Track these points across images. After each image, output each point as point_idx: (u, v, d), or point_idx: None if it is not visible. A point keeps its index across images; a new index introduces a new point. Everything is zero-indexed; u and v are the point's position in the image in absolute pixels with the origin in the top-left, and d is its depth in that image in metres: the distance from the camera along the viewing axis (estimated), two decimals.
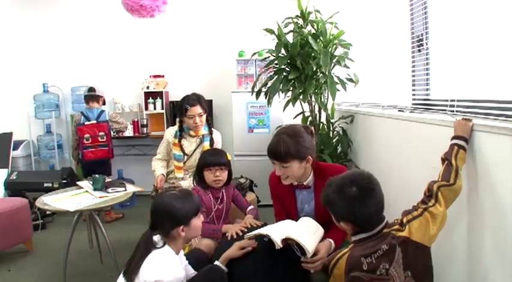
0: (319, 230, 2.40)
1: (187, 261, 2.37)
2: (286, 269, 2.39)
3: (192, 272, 2.36)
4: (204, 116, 3.56)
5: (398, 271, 1.70)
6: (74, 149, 5.11)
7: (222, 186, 3.01)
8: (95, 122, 4.91)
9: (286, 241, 2.27)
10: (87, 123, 4.89)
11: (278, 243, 2.21)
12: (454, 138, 1.87)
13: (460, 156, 1.82)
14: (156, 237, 2.10)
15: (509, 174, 1.59)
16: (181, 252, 2.31)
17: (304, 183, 2.58)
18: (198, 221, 2.21)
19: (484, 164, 1.77)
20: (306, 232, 2.33)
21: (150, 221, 2.16)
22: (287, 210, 2.71)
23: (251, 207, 3.07)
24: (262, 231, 2.36)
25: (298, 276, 2.43)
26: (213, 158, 2.95)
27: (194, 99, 3.51)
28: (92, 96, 5.00)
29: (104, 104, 5.18)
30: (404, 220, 1.78)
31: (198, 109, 3.48)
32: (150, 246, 2.08)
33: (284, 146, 2.38)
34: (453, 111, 2.10)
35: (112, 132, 5.23)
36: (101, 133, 4.91)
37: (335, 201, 1.80)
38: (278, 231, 2.31)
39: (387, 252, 1.72)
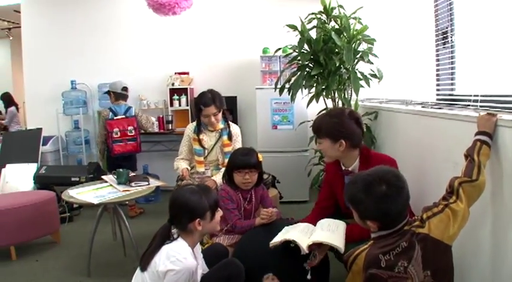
0: (341, 225, 2.40)
1: (201, 255, 2.40)
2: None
3: (206, 269, 2.40)
4: (220, 114, 3.58)
5: (417, 270, 1.67)
6: (102, 144, 5.21)
7: (251, 188, 3.01)
8: (123, 116, 5.04)
9: (312, 246, 2.28)
10: (116, 118, 5.01)
11: (304, 249, 2.24)
12: (477, 133, 1.84)
13: (483, 152, 1.78)
14: (173, 231, 2.18)
15: None
16: (198, 247, 2.35)
17: (349, 169, 2.60)
18: (217, 216, 2.25)
19: (509, 160, 1.73)
20: (328, 231, 2.35)
21: (169, 215, 2.22)
22: (336, 196, 2.73)
23: (275, 209, 2.93)
24: (288, 237, 2.37)
25: (316, 271, 2.44)
26: (244, 158, 2.92)
27: (209, 98, 3.51)
28: (123, 95, 5.16)
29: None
30: (425, 216, 1.75)
31: (212, 109, 3.50)
32: (165, 239, 2.15)
33: (320, 122, 2.56)
34: (477, 106, 2.06)
35: None
36: (129, 127, 5.04)
37: (362, 200, 1.78)
38: (303, 237, 2.35)
39: (406, 250, 1.69)
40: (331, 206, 2.75)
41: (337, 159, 2.62)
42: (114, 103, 5.15)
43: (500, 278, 1.80)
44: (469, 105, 2.14)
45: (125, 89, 5.19)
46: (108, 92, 5.25)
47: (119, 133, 4.98)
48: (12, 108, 9.15)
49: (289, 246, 2.35)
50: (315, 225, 2.47)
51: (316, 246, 2.30)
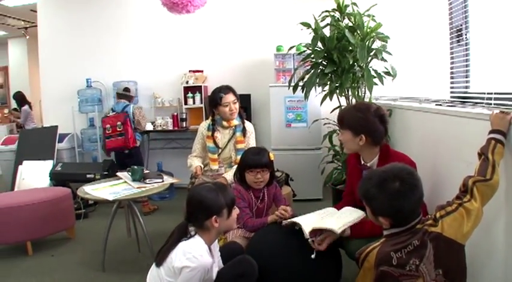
0: (355, 214, 2.44)
1: (219, 253, 2.41)
2: (316, 263, 2.40)
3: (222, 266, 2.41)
4: (238, 104, 3.62)
5: (428, 268, 1.67)
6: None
7: (263, 187, 3.01)
8: (115, 113, 5.23)
9: (315, 232, 2.35)
10: (108, 115, 5.22)
11: (306, 234, 2.31)
12: (491, 132, 1.82)
13: (498, 150, 1.77)
14: (191, 229, 2.19)
15: None
16: (215, 245, 2.36)
17: (368, 164, 2.61)
18: (234, 213, 2.27)
19: None
20: (337, 218, 2.42)
21: (186, 213, 2.24)
22: (353, 189, 2.72)
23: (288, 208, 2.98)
24: (296, 219, 2.46)
25: (328, 268, 2.45)
26: (255, 158, 2.91)
27: (227, 87, 3.62)
28: (124, 95, 5.35)
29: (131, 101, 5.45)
30: (438, 215, 1.75)
31: (231, 96, 3.57)
32: (182, 236, 2.17)
33: (345, 113, 2.61)
34: (490, 104, 2.04)
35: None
36: (118, 123, 5.15)
37: (375, 196, 1.79)
38: (309, 222, 2.40)
39: (418, 248, 1.69)
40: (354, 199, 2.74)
41: (357, 152, 2.64)
42: (116, 103, 5.36)
43: None
44: (482, 102, 2.12)
45: (126, 89, 5.37)
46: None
47: (110, 129, 5.14)
48: (26, 107, 9.27)
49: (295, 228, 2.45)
50: None
51: (319, 232, 2.36)
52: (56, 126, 6.05)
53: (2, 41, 12.02)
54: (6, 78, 12.55)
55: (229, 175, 3.48)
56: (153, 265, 2.23)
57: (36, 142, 5.93)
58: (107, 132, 5.10)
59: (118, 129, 5.12)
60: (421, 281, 1.68)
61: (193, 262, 2.03)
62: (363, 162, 2.65)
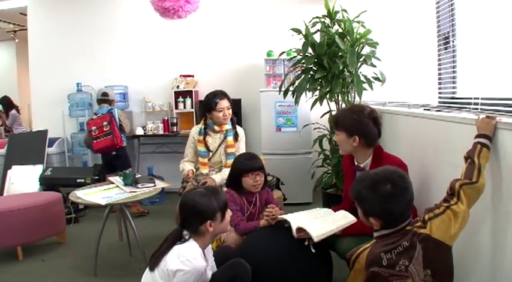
0: (343, 220, 2.50)
1: (212, 258, 2.43)
2: (308, 265, 2.45)
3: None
4: (231, 110, 3.67)
5: (417, 269, 1.71)
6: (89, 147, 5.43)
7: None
8: (101, 114, 5.23)
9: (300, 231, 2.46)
10: (93, 118, 5.23)
11: (294, 233, 2.44)
12: (477, 136, 1.87)
13: (483, 154, 1.82)
14: (185, 233, 2.21)
15: None
16: (209, 248, 2.38)
17: (361, 165, 2.66)
18: (227, 216, 2.30)
19: (508, 162, 1.77)
20: (320, 220, 2.54)
21: (180, 219, 2.27)
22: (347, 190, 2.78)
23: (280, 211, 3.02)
24: (287, 217, 2.58)
25: (319, 269, 2.49)
26: (251, 162, 2.98)
27: (222, 93, 3.66)
28: (104, 100, 5.36)
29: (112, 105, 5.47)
30: (426, 217, 1.79)
31: (226, 102, 3.62)
32: (176, 240, 2.19)
33: (340, 114, 2.68)
34: (477, 109, 2.10)
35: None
36: (104, 123, 5.14)
37: (367, 197, 1.84)
38: (299, 222, 2.50)
39: (407, 249, 1.74)
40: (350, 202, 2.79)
41: (351, 153, 2.69)
42: (97, 108, 5.39)
43: (499, 278, 1.83)
44: (469, 107, 2.18)
45: (105, 94, 5.39)
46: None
47: (96, 131, 5.13)
48: (13, 111, 9.21)
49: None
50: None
51: (303, 233, 2.45)
52: (46, 131, 6.02)
53: None
54: None
55: (217, 177, 3.55)
56: (147, 269, 2.24)
57: (26, 146, 5.88)
58: (93, 134, 5.11)
59: (105, 130, 5.11)
60: (410, 281, 1.72)
61: (187, 265, 2.05)
62: (356, 163, 2.70)
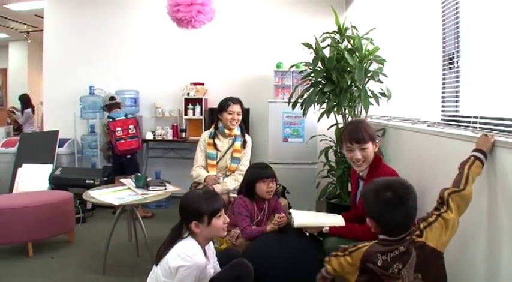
0: (333, 219, 2.75)
1: (215, 257, 2.54)
2: (311, 270, 2.57)
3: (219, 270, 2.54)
4: (241, 116, 3.86)
5: (409, 272, 1.81)
6: (105, 150, 5.52)
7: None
8: (123, 118, 5.41)
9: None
10: (117, 119, 5.38)
11: (293, 223, 2.70)
12: (473, 150, 1.99)
13: (475, 166, 1.93)
14: (184, 229, 2.35)
15: None
16: (210, 248, 2.49)
17: (360, 174, 2.78)
18: (216, 222, 2.35)
19: (504, 178, 1.86)
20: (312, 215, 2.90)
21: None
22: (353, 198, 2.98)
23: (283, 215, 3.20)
24: (293, 211, 2.87)
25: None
26: (266, 171, 3.19)
27: (237, 99, 3.88)
28: (115, 104, 5.54)
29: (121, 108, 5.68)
30: (422, 226, 1.88)
31: (238, 107, 3.83)
32: (176, 235, 2.33)
33: (363, 129, 2.69)
34: (476, 127, 2.22)
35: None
36: (131, 126, 5.39)
37: (369, 199, 1.96)
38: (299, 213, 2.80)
39: (403, 254, 1.83)
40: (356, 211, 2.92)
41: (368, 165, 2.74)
42: (111, 113, 5.49)
43: None
44: (468, 125, 2.30)
45: (112, 98, 5.56)
46: (103, 109, 5.60)
47: (121, 132, 5.30)
48: (29, 110, 9.37)
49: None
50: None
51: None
52: (57, 131, 6.15)
53: (3, 43, 12.11)
54: (5, 81, 12.63)
55: (232, 183, 3.73)
56: (154, 266, 2.36)
57: (37, 146, 6.01)
58: (117, 134, 5.26)
59: (130, 132, 5.35)
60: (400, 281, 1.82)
61: (188, 261, 2.16)
62: (357, 171, 2.81)
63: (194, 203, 2.33)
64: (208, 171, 3.84)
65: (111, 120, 5.36)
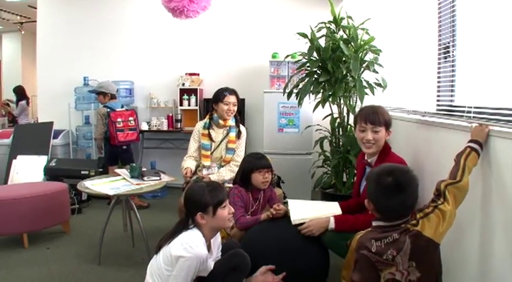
0: (328, 210, 2.75)
1: (219, 249, 2.56)
2: (305, 257, 2.61)
3: None
4: (236, 107, 3.84)
5: (403, 259, 1.82)
6: (101, 140, 5.48)
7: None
8: (124, 109, 5.47)
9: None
10: (118, 109, 5.41)
11: (292, 220, 2.70)
12: (469, 141, 2.00)
13: (471, 157, 1.94)
14: (190, 221, 2.35)
15: None
16: (217, 240, 2.51)
17: (369, 160, 2.79)
18: (221, 212, 2.37)
19: (498, 168, 1.87)
20: (309, 207, 2.85)
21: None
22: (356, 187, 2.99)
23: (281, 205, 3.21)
24: (290, 200, 2.88)
25: (316, 263, 2.67)
26: (262, 161, 3.17)
27: (232, 89, 3.85)
28: (112, 96, 5.55)
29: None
30: (418, 216, 1.89)
31: (234, 98, 3.80)
32: (180, 227, 2.33)
33: (380, 113, 2.71)
34: (470, 117, 2.22)
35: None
36: (130, 118, 5.45)
37: (371, 181, 1.99)
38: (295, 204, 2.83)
39: (396, 241, 1.84)
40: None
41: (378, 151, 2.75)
42: (108, 101, 5.47)
43: (487, 279, 1.93)
44: (463, 115, 2.30)
45: (114, 96, 5.59)
46: (100, 93, 5.50)
47: (121, 123, 5.34)
48: (23, 102, 9.33)
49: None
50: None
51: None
52: (52, 122, 6.12)
53: None
54: None
55: (214, 177, 3.69)
56: (154, 256, 2.37)
57: (31, 137, 5.98)
58: (118, 125, 5.30)
59: (129, 124, 5.42)
60: (393, 269, 1.83)
61: (189, 252, 2.17)
62: (366, 158, 2.83)
63: (198, 194, 2.34)
64: (201, 162, 3.84)
65: (109, 110, 5.35)
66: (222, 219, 2.39)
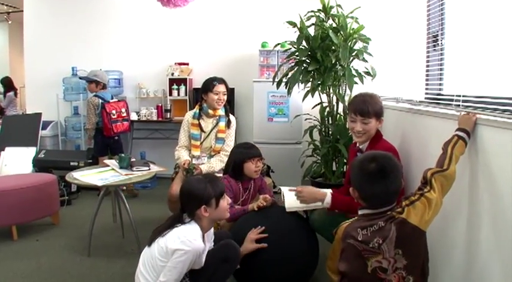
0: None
1: (212, 242, 2.55)
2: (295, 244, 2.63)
3: None
4: (225, 97, 3.83)
5: (389, 247, 1.83)
6: (92, 130, 5.43)
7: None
8: (116, 100, 5.46)
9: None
10: (111, 101, 5.38)
11: (287, 208, 2.70)
12: (456, 130, 2.01)
13: (458, 145, 1.95)
14: (185, 216, 2.33)
15: (509, 165, 1.68)
16: (210, 234, 2.51)
17: (360, 147, 2.80)
18: (223, 203, 2.38)
19: (485, 156, 1.88)
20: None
21: (180, 204, 2.39)
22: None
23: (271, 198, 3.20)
24: (284, 189, 2.81)
25: (306, 249, 2.71)
26: (253, 150, 3.18)
27: (221, 79, 3.85)
28: (103, 85, 5.50)
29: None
30: (403, 204, 1.90)
31: (223, 87, 3.80)
32: (176, 222, 2.31)
33: (371, 103, 2.68)
34: (459, 105, 2.23)
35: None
36: (122, 109, 5.45)
37: (354, 168, 1.99)
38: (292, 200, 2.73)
39: (382, 229, 1.85)
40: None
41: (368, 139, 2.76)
42: (99, 91, 5.42)
43: (472, 273, 1.96)
44: (451, 104, 2.31)
45: (93, 74, 5.52)
46: (91, 80, 5.42)
47: (115, 114, 5.32)
48: (11, 93, 9.22)
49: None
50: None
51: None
52: (40, 113, 6.07)
53: None
54: None
55: (203, 167, 3.71)
56: (146, 248, 2.35)
57: (20, 129, 5.93)
58: (112, 117, 5.29)
59: (122, 115, 5.42)
60: (380, 257, 1.84)
61: (187, 245, 2.16)
62: (357, 144, 2.84)
63: (200, 188, 2.31)
64: (191, 152, 3.83)
65: (102, 100, 5.31)
66: (223, 210, 2.40)
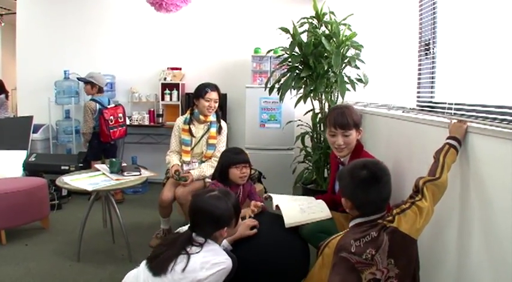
0: (320, 213, 2.67)
1: None
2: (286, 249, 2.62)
3: None
4: (217, 104, 3.83)
5: (382, 257, 1.82)
6: (89, 134, 5.35)
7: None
8: (113, 105, 5.37)
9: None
10: (108, 106, 5.30)
11: (274, 207, 2.75)
12: (448, 138, 2.02)
13: (450, 154, 1.96)
14: (197, 238, 2.11)
15: (499, 173, 1.70)
16: None
17: (342, 160, 2.79)
18: (239, 220, 2.29)
19: (476, 164, 1.89)
20: (297, 205, 2.76)
21: (190, 222, 2.20)
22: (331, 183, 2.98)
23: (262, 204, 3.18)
24: (272, 195, 2.87)
25: (298, 258, 2.68)
26: (239, 156, 3.14)
27: (214, 86, 3.84)
28: (100, 88, 5.44)
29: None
30: (394, 212, 1.91)
31: (215, 95, 3.79)
32: (188, 244, 2.08)
33: (349, 115, 2.70)
34: (450, 113, 2.24)
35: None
36: (120, 114, 5.39)
37: (345, 177, 1.99)
38: (280, 200, 2.80)
39: (375, 239, 1.85)
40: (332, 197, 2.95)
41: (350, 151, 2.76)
42: (96, 95, 5.37)
43: (463, 279, 1.96)
44: (443, 111, 2.32)
45: (101, 88, 5.48)
46: (88, 83, 5.37)
47: (113, 120, 5.27)
48: (2, 96, 9.12)
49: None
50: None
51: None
52: (31, 117, 6.00)
53: None
54: None
55: (195, 172, 3.71)
56: (139, 269, 2.15)
57: (10, 132, 5.85)
58: (110, 123, 5.23)
59: (120, 121, 5.38)
60: (374, 268, 1.83)
61: (226, 263, 2.06)
62: (339, 157, 2.83)
63: (222, 208, 2.12)
64: (182, 157, 3.83)
65: (99, 105, 5.26)
66: (238, 226, 2.33)
